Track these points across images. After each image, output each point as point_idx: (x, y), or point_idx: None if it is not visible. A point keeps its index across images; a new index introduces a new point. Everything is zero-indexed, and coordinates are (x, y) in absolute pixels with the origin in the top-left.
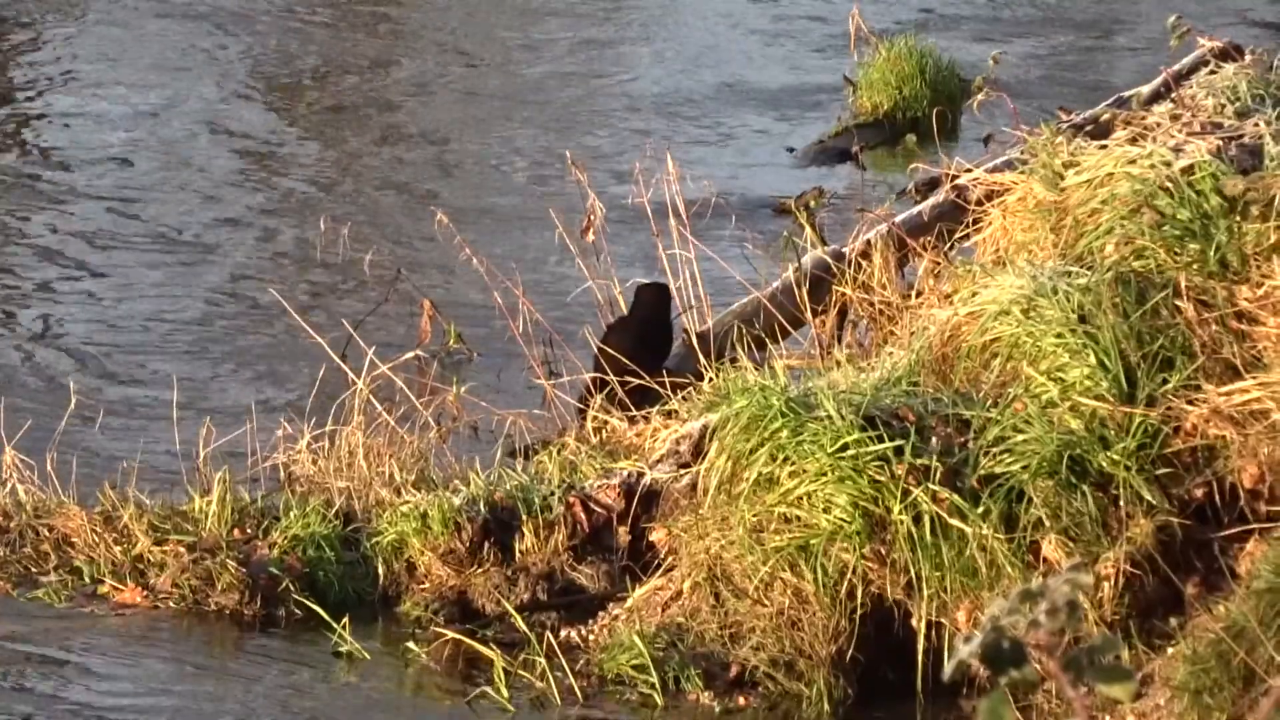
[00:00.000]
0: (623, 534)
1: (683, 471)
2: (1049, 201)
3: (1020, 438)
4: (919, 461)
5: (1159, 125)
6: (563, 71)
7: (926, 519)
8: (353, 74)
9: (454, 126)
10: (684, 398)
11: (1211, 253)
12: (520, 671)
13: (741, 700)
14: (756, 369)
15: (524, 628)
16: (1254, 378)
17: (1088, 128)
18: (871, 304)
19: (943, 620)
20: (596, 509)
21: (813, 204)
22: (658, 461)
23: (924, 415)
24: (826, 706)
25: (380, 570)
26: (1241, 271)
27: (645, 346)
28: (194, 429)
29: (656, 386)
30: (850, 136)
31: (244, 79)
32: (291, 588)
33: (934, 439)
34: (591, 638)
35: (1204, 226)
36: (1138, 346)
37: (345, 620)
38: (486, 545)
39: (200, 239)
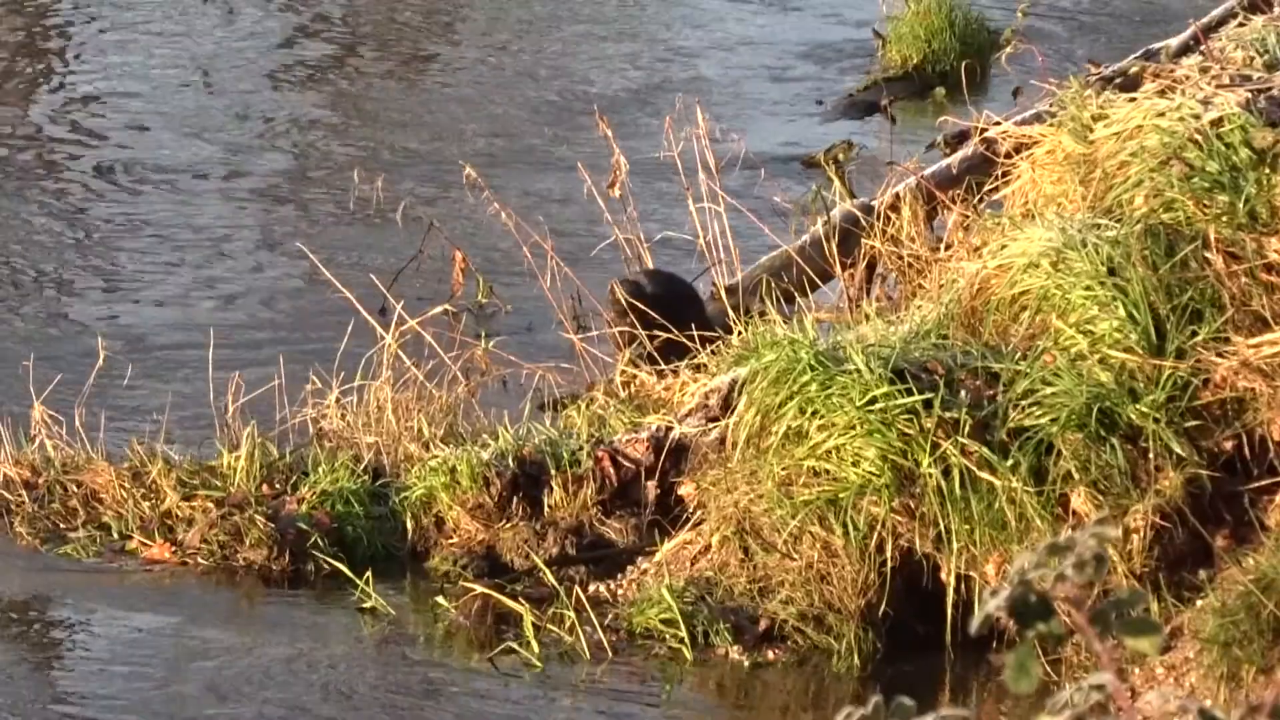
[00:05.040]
0: (651, 488)
1: (711, 425)
2: (1078, 154)
3: (1049, 390)
4: (948, 415)
5: (1188, 78)
6: (591, 29)
7: (956, 472)
8: (387, 36)
9: (484, 83)
10: (713, 352)
11: (1241, 205)
12: (549, 626)
13: (770, 654)
14: (785, 322)
15: (553, 582)
16: None
17: (1116, 80)
18: (900, 257)
19: (972, 573)
20: (625, 463)
21: (841, 157)
22: (686, 415)
23: (953, 368)
24: (855, 660)
25: (409, 525)
26: (1271, 223)
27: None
28: (223, 384)
29: (684, 339)
30: (879, 90)
31: (277, 38)
32: (320, 543)
33: (963, 392)
34: (620, 592)
35: (1233, 179)
36: (1167, 299)
37: (368, 575)
38: (515, 500)
39: (229, 194)
